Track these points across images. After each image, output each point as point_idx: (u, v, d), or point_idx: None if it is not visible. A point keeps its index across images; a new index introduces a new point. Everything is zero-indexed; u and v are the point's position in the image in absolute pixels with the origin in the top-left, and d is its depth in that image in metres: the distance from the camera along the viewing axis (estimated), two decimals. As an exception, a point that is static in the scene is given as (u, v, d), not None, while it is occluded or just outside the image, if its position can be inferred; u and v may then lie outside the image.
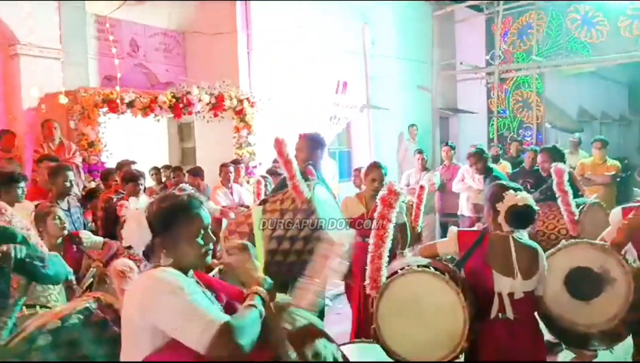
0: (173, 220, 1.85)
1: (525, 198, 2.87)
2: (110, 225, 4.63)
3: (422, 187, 5.02)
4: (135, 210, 2.58)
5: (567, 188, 3.98)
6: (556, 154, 5.52)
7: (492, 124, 12.75)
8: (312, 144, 3.82)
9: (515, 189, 2.95)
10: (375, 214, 3.17)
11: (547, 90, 12.41)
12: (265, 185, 5.31)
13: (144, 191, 5.19)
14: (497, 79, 12.36)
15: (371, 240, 3.11)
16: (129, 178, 5.05)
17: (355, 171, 6.71)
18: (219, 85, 7.82)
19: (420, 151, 7.73)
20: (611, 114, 16.26)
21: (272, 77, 8.67)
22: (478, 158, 5.98)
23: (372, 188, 4.36)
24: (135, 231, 1.90)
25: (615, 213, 3.52)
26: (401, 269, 3.04)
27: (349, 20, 10.31)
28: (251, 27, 8.54)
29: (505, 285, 2.86)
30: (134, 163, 6.17)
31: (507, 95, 12.97)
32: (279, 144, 3.09)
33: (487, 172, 5.82)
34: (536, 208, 2.93)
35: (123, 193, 5.09)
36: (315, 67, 9.11)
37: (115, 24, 8.04)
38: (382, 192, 3.17)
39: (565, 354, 4.17)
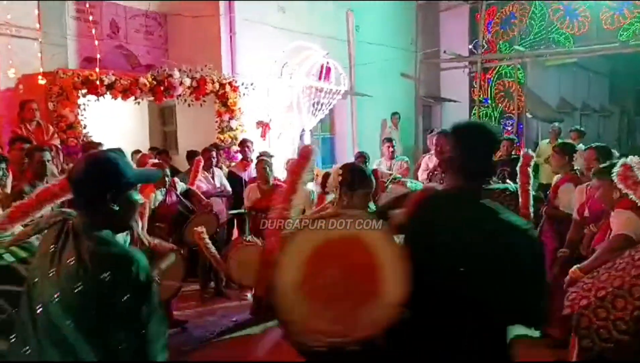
0: None
1: None
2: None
3: None
4: None
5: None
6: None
7: (474, 114, 12.83)
8: None
9: None
10: None
11: (529, 80, 12.51)
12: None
13: None
14: (480, 68, 12.44)
15: None
16: None
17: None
18: (201, 68, 7.75)
19: (389, 140, 7.96)
20: (592, 105, 16.47)
21: (255, 62, 8.61)
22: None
23: None
24: None
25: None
26: None
27: (333, 6, 10.26)
28: (234, 10, 8.46)
29: None
30: (100, 144, 5.81)
31: (489, 84, 13.05)
32: None
33: None
34: None
35: None
36: (299, 53, 9.06)
37: (95, 4, 7.89)
38: None
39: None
